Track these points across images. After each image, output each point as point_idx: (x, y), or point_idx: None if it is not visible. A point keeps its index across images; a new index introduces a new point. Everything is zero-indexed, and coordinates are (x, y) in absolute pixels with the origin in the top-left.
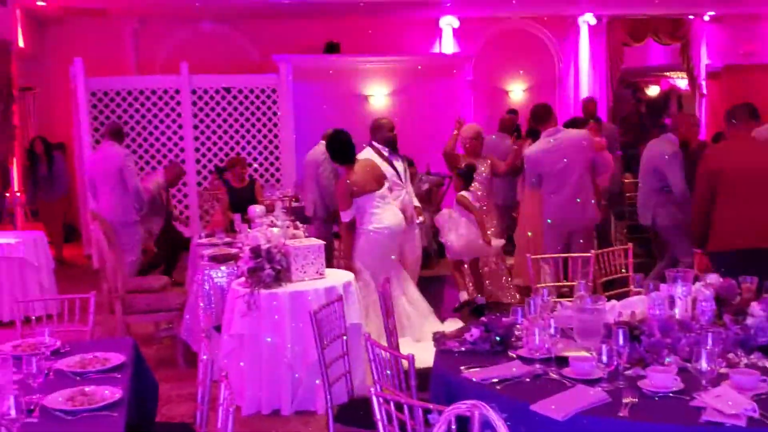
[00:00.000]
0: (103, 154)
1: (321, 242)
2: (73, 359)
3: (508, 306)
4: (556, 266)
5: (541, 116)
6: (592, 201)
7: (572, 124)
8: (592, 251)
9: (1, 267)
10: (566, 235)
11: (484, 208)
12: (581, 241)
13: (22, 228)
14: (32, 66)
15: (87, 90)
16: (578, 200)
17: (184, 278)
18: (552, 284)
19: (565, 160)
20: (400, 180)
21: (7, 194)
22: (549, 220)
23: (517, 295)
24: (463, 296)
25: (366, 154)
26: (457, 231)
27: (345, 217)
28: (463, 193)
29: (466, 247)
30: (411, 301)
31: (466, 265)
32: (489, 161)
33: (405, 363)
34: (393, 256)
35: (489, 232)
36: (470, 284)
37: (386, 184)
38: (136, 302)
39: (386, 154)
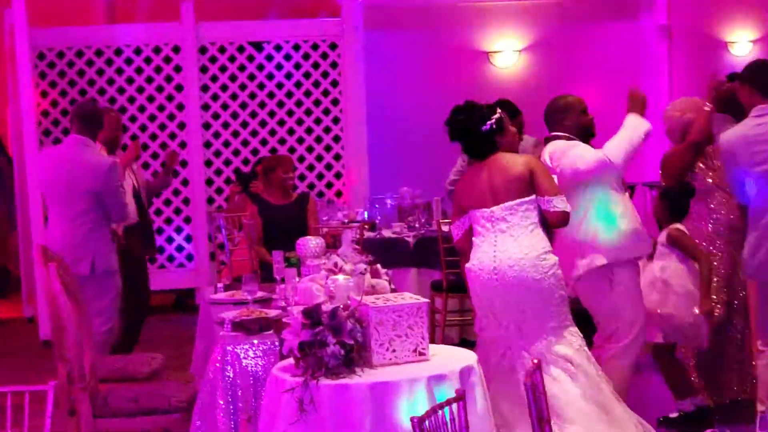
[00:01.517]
0: (67, 156)
1: (421, 299)
2: None
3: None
4: None
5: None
6: None
7: None
8: None
9: None
10: None
11: (713, 251)
12: None
13: None
14: None
15: (31, 48)
16: None
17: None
18: None
19: None
20: None
21: None
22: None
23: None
24: (686, 405)
25: (554, 150)
26: (670, 294)
27: (453, 237)
28: (679, 226)
29: (688, 326)
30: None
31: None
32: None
33: None
34: (519, 311)
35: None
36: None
37: (519, 200)
38: (113, 397)
39: None
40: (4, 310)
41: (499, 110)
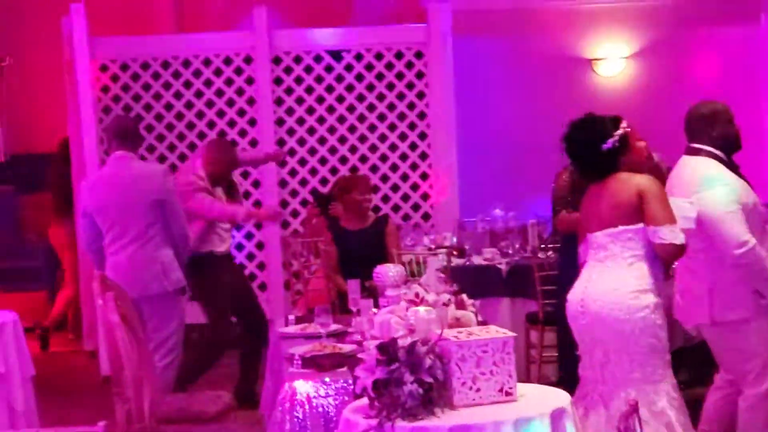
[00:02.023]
0: (116, 175)
1: (509, 333)
2: None
3: None
4: None
5: None
6: None
7: None
8: None
9: None
10: None
11: None
12: None
13: None
14: (2, 22)
15: (92, 59)
16: None
17: (255, 391)
18: None
19: None
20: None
21: None
22: None
23: None
24: None
25: (704, 168)
26: None
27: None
28: None
29: None
30: None
31: None
32: None
33: None
34: (603, 353)
35: None
36: None
37: (622, 227)
38: None
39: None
40: (65, 344)
41: (624, 124)
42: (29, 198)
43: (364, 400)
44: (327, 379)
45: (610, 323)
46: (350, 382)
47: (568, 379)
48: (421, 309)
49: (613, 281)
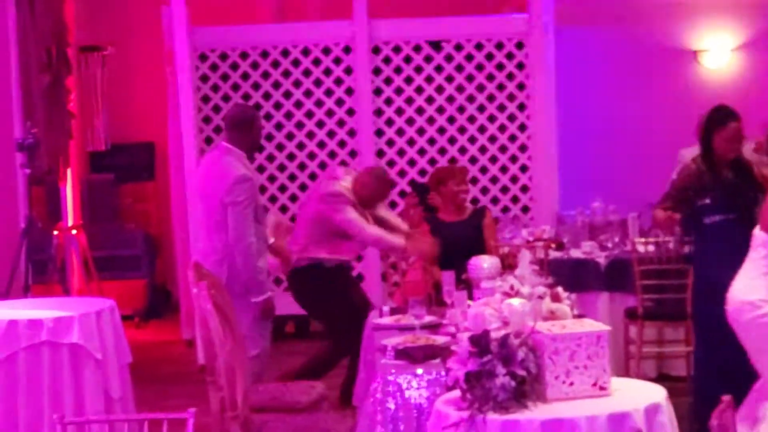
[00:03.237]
0: (209, 163)
1: (603, 327)
2: None
3: None
4: None
5: None
6: None
7: None
8: None
9: (39, 358)
10: None
11: None
12: None
13: (80, 292)
14: (100, 12)
15: (192, 48)
16: None
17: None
18: None
19: None
20: None
21: (56, 231)
22: None
23: None
24: None
25: None
26: None
27: None
28: None
29: None
30: None
31: None
32: None
33: None
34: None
35: None
36: None
37: None
38: (269, 429)
39: None
40: (163, 333)
41: None
42: (129, 187)
43: (456, 392)
44: (419, 371)
45: (736, 326)
46: (443, 374)
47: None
48: (516, 301)
49: (741, 284)
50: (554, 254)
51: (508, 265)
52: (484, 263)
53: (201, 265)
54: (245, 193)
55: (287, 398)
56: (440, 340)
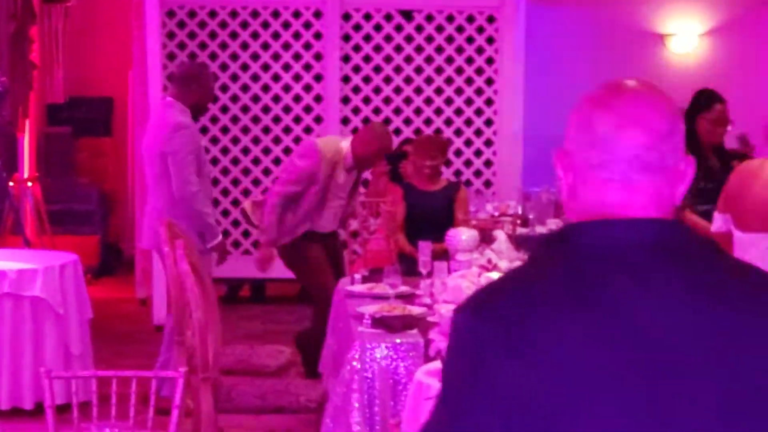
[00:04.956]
0: (153, 119)
1: None
2: None
3: None
4: None
5: None
6: None
7: None
8: None
9: (0, 310)
10: None
11: None
12: None
13: (40, 245)
14: None
15: (161, 4)
16: None
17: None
18: None
19: None
20: None
21: (11, 183)
22: None
23: None
24: None
25: None
26: None
27: None
28: None
29: None
30: None
31: None
32: None
33: None
34: None
35: None
36: None
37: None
38: (238, 392)
39: None
40: (116, 290)
41: None
42: (86, 141)
43: (437, 364)
44: (397, 341)
45: None
46: (422, 344)
47: None
48: (494, 275)
49: None
50: (520, 230)
51: (486, 239)
52: (463, 235)
53: (175, 223)
54: (183, 140)
55: (255, 361)
56: (416, 310)
